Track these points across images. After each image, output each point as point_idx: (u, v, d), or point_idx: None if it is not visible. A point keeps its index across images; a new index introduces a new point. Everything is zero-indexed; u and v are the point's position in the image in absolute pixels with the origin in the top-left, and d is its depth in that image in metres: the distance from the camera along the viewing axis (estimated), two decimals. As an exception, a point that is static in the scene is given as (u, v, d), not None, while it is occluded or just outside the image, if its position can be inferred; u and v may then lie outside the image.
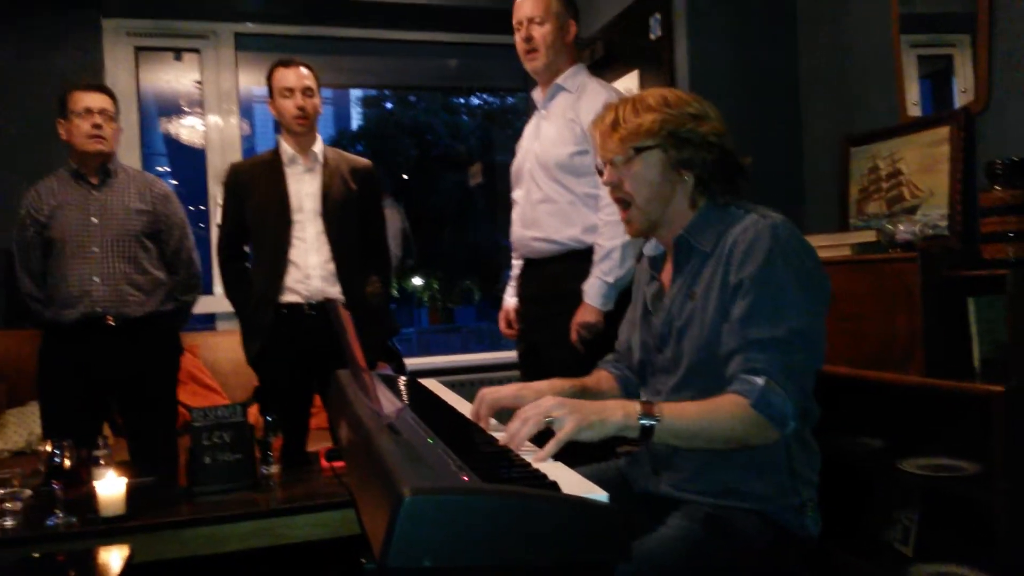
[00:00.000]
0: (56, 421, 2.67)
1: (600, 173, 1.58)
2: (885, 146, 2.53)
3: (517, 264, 2.77)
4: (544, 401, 1.32)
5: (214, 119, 4.28)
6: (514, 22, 2.61)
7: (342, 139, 13.70)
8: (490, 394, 1.51)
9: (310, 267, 2.71)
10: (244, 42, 4.35)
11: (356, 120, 15.23)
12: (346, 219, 2.77)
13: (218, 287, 4.08)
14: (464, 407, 1.69)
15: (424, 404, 1.73)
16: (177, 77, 4.59)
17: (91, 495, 2.05)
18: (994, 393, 1.74)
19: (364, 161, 2.91)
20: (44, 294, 2.74)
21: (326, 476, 2.37)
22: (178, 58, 4.43)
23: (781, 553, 1.42)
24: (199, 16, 4.18)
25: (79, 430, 2.40)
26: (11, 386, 3.53)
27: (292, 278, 2.70)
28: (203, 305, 3.70)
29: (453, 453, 1.17)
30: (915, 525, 2.22)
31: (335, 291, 2.73)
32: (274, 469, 2.35)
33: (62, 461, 2.06)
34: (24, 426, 3.38)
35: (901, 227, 2.17)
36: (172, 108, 5.03)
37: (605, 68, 3.58)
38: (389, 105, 13.78)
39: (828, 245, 2.36)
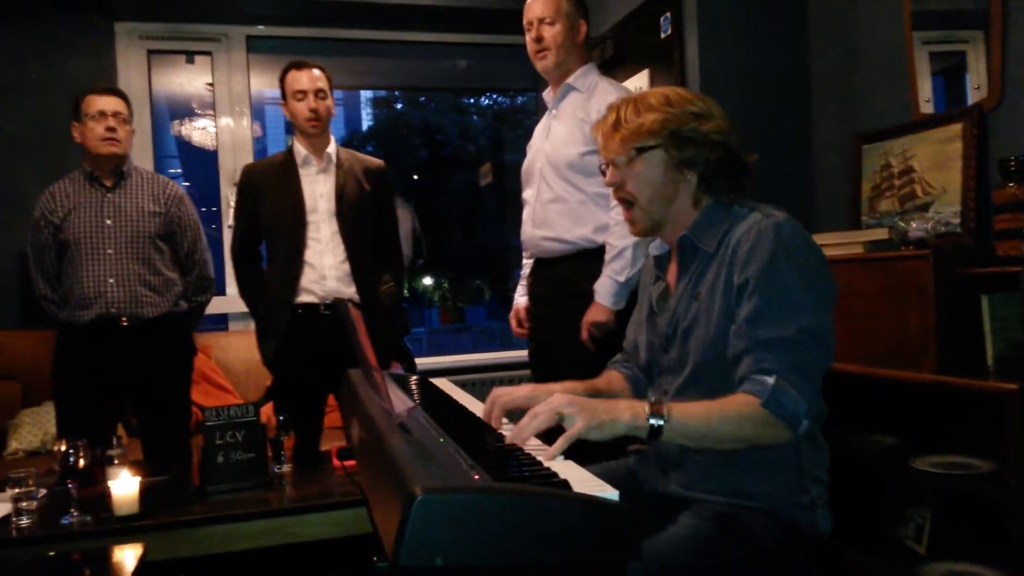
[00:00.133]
0: (71, 421, 2.69)
1: (604, 174, 1.58)
2: (897, 143, 2.52)
3: (528, 263, 2.77)
4: (555, 399, 1.32)
5: (226, 121, 4.31)
6: (524, 22, 2.61)
7: (353, 140, 13.74)
8: (503, 396, 1.50)
9: (325, 267, 2.72)
10: (255, 45, 4.37)
11: (366, 121, 15.26)
12: (360, 219, 2.78)
13: (230, 288, 4.10)
14: (475, 406, 1.70)
15: (435, 403, 1.74)
16: (189, 80, 4.62)
17: (105, 494, 2.06)
18: (1008, 391, 1.73)
19: (377, 161, 2.92)
20: (58, 295, 2.76)
21: (338, 475, 2.38)
22: (190, 61, 4.46)
23: (792, 551, 1.41)
24: (211, 19, 4.20)
25: (93, 430, 2.42)
26: (26, 386, 3.56)
27: (308, 279, 2.71)
28: (215, 306, 3.72)
29: (464, 452, 1.17)
30: (928, 523, 2.21)
31: (350, 291, 2.74)
32: (286, 468, 2.36)
33: (76, 461, 2.07)
34: (39, 426, 3.41)
35: (913, 224, 2.16)
36: (184, 111, 5.06)
37: (615, 67, 3.58)
38: (399, 106, 13.80)
39: (840, 243, 2.36)
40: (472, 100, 13.49)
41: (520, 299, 2.80)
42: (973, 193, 2.23)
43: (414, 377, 2.07)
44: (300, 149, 2.78)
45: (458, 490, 0.93)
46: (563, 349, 2.52)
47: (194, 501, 2.18)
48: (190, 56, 4.42)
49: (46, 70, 3.87)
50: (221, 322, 4.29)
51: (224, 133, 4.30)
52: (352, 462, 2.37)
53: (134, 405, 2.89)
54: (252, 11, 4.16)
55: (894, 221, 2.28)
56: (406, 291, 3.04)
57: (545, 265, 2.63)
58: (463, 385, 2.58)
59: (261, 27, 4.32)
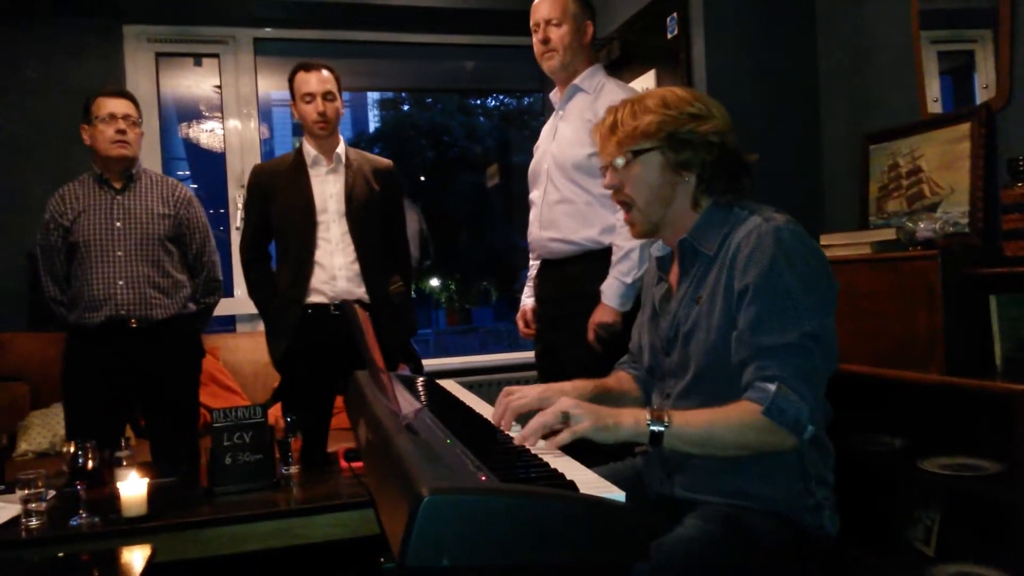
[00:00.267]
0: (80, 422, 2.70)
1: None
2: (905, 143, 2.51)
3: (534, 264, 2.77)
4: (562, 402, 1.34)
5: (233, 123, 4.32)
6: (531, 24, 2.61)
7: (360, 141, 13.75)
8: (515, 400, 1.51)
9: (336, 268, 2.73)
10: (263, 47, 4.38)
11: (373, 122, 15.29)
12: (369, 219, 2.78)
13: (238, 289, 4.12)
14: (482, 408, 1.70)
15: (442, 405, 1.74)
16: (197, 82, 4.64)
17: (114, 496, 2.07)
18: (1016, 392, 1.72)
19: (385, 161, 2.93)
20: (68, 297, 2.77)
21: (345, 476, 2.38)
22: (198, 63, 4.47)
23: (799, 553, 1.41)
24: (218, 22, 4.22)
25: (102, 431, 2.43)
26: (35, 388, 3.58)
27: (318, 279, 2.72)
28: (223, 307, 3.73)
29: (471, 453, 1.17)
30: (936, 525, 2.20)
31: (360, 292, 2.74)
32: (294, 469, 2.36)
33: (85, 462, 2.08)
34: (48, 428, 3.42)
35: (921, 225, 2.16)
36: (192, 113, 5.08)
37: (622, 68, 3.58)
38: (406, 107, 13.82)
39: (848, 244, 2.35)
40: (479, 101, 13.50)
41: (527, 300, 2.80)
42: (981, 193, 2.23)
43: (421, 378, 2.08)
44: (310, 149, 2.79)
45: (465, 491, 0.93)
46: (570, 350, 2.52)
47: (202, 502, 2.19)
48: (198, 58, 4.43)
49: (55, 73, 3.90)
50: (229, 324, 4.31)
51: (232, 135, 4.32)
52: (359, 463, 2.37)
53: (143, 407, 2.90)
54: (260, 13, 4.18)
55: (902, 221, 2.27)
56: (413, 292, 3.04)
57: (552, 266, 2.63)
58: (470, 386, 2.57)
59: (268, 29, 4.33)
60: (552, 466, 1.18)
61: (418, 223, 4.54)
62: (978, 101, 2.30)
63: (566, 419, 1.30)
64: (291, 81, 2.77)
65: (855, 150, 2.75)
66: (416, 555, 0.87)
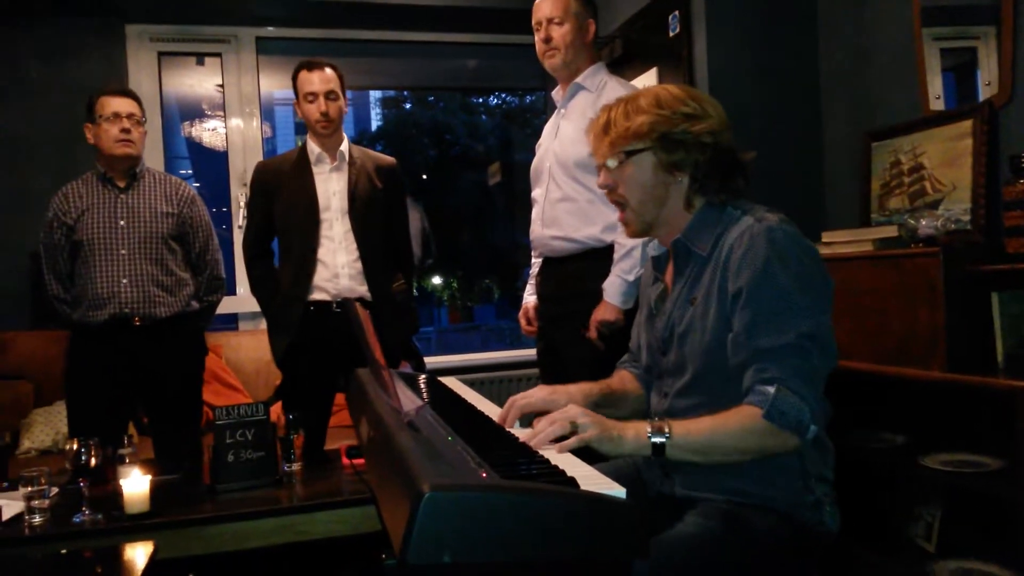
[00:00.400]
0: (83, 420, 2.71)
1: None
2: (907, 140, 2.51)
3: (536, 262, 2.78)
4: (570, 409, 1.34)
5: (236, 122, 4.32)
6: (533, 22, 2.61)
7: (362, 140, 13.77)
8: (521, 399, 1.52)
9: (338, 266, 2.73)
10: (265, 46, 4.38)
11: (376, 121, 15.30)
12: (372, 217, 2.78)
13: (241, 287, 4.12)
14: (484, 405, 1.70)
15: (444, 402, 1.74)
16: (199, 81, 4.64)
17: (116, 493, 2.08)
18: (1018, 389, 1.72)
19: (389, 159, 2.93)
20: (71, 296, 2.78)
21: (347, 473, 2.39)
22: (200, 62, 4.48)
23: (799, 549, 1.41)
24: (221, 21, 4.22)
25: (105, 429, 2.43)
26: (38, 386, 3.59)
27: (320, 277, 2.72)
28: (226, 305, 3.74)
29: (472, 450, 1.18)
30: (937, 521, 2.20)
31: (363, 290, 2.74)
32: (296, 466, 2.37)
33: (88, 459, 2.08)
34: (51, 425, 3.43)
35: (923, 222, 2.16)
36: (194, 112, 5.08)
37: (623, 66, 3.58)
38: (408, 106, 13.83)
39: (850, 241, 2.35)
40: (481, 100, 13.51)
41: (529, 298, 2.81)
42: (983, 190, 2.22)
43: (423, 376, 2.08)
44: (313, 147, 2.79)
45: (466, 487, 0.93)
46: (571, 348, 2.52)
47: (204, 499, 2.19)
48: (200, 58, 4.43)
49: (57, 72, 3.90)
50: (231, 322, 4.32)
51: (234, 134, 4.32)
52: (361, 460, 2.38)
53: (146, 404, 2.91)
54: (262, 12, 4.18)
55: (904, 218, 2.27)
56: (415, 290, 3.05)
57: (554, 264, 2.63)
58: (472, 384, 2.58)
59: (271, 28, 4.33)
60: (553, 463, 1.18)
61: (420, 221, 4.54)
62: (980, 98, 2.29)
63: (574, 427, 1.31)
64: (294, 80, 2.77)
65: (857, 147, 2.75)
66: (417, 551, 0.88)
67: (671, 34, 3.19)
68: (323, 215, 2.74)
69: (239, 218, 4.14)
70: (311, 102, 2.72)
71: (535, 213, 2.68)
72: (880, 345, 2.17)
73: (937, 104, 2.45)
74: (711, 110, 1.49)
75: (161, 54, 4.22)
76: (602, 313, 2.40)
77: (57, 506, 2.12)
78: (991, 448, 2.02)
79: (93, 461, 2.09)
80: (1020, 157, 2.01)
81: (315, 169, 2.77)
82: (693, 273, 1.50)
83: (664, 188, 1.50)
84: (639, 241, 2.36)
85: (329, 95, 2.72)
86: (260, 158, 4.24)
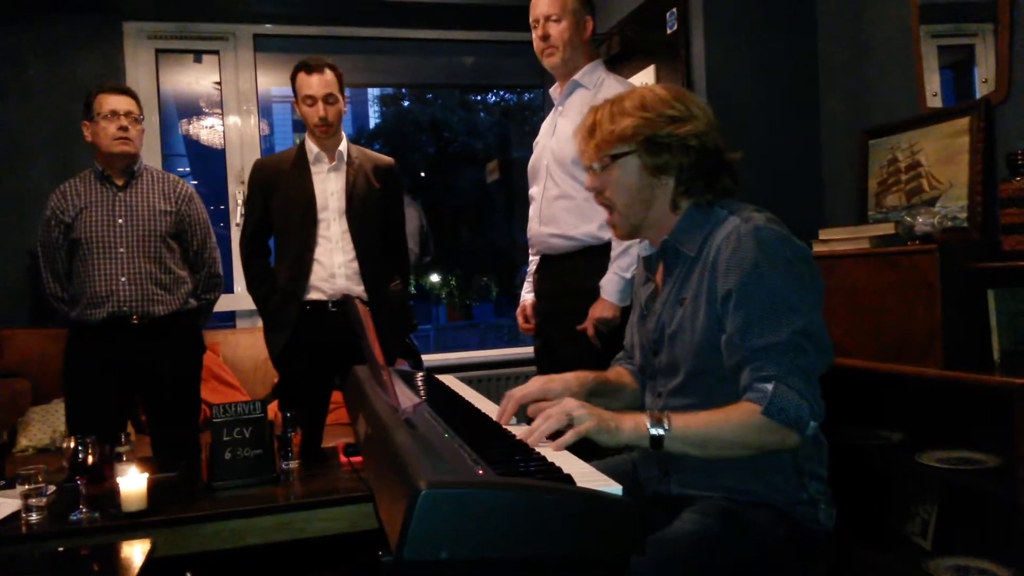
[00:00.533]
0: (81, 418, 2.71)
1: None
2: (904, 138, 2.51)
3: (534, 260, 2.78)
4: (566, 403, 1.34)
5: (233, 120, 4.32)
6: (531, 20, 2.61)
7: (360, 137, 13.77)
8: (518, 392, 1.53)
9: (335, 266, 2.73)
10: (263, 43, 4.38)
11: (374, 118, 15.29)
12: (369, 218, 2.78)
13: (238, 286, 4.12)
14: (481, 403, 1.71)
15: (441, 399, 1.74)
16: (197, 79, 4.64)
17: (114, 491, 2.08)
18: (1014, 386, 1.73)
19: (387, 159, 2.93)
20: (68, 294, 2.78)
21: (345, 471, 2.39)
22: (198, 60, 4.48)
23: (796, 546, 1.41)
24: (218, 18, 4.21)
25: (103, 427, 2.43)
26: (36, 384, 3.59)
27: (317, 276, 2.72)
28: (223, 303, 3.74)
29: (469, 447, 1.18)
30: (934, 518, 2.21)
31: (359, 290, 2.74)
32: (294, 464, 2.37)
33: (85, 457, 2.08)
34: (48, 423, 3.43)
35: (920, 219, 2.16)
36: (192, 109, 5.09)
37: (621, 63, 3.58)
38: (407, 103, 13.82)
39: (846, 238, 2.35)
40: (479, 97, 13.50)
41: (527, 296, 2.81)
42: (980, 187, 2.23)
43: (420, 374, 2.08)
44: (312, 147, 2.78)
45: (462, 484, 0.94)
46: (568, 345, 2.52)
47: (202, 497, 2.19)
48: (198, 55, 4.43)
49: (55, 70, 3.90)
50: (229, 320, 4.32)
51: (232, 132, 4.32)
52: (358, 458, 2.38)
53: (143, 402, 2.91)
54: (259, 9, 4.17)
55: (900, 216, 2.28)
56: (413, 288, 3.05)
57: (551, 262, 2.63)
58: (470, 382, 2.58)
59: (268, 25, 4.33)
60: (549, 460, 1.18)
61: (418, 219, 4.54)
62: (978, 96, 2.30)
63: (570, 421, 1.31)
64: (293, 79, 2.75)
65: (854, 145, 2.75)
66: (414, 548, 0.88)
67: (669, 31, 3.19)
68: (320, 215, 2.73)
69: (237, 216, 4.14)
70: (310, 105, 2.71)
71: (532, 210, 2.68)
72: (877, 342, 2.17)
73: (934, 101, 2.45)
74: (697, 111, 1.48)
75: (159, 51, 4.21)
76: (599, 310, 2.40)
77: (54, 504, 2.12)
78: (987, 445, 2.02)
79: (90, 459, 2.09)
80: (1016, 154, 2.02)
81: (313, 168, 2.77)
82: (682, 274, 1.50)
83: (650, 191, 1.50)
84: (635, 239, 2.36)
85: (328, 98, 2.71)
86: (258, 156, 4.24)
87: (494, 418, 1.52)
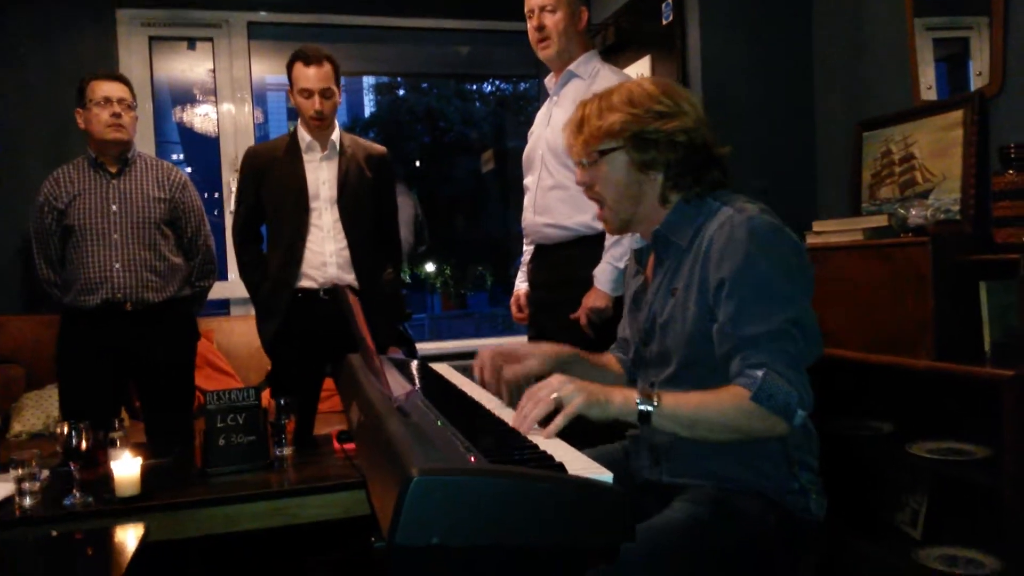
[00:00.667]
0: (75, 403, 2.71)
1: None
2: (898, 130, 2.52)
3: (528, 250, 2.78)
4: (552, 380, 1.34)
5: (227, 107, 4.30)
6: (525, 10, 2.60)
7: (355, 126, 13.73)
8: (508, 373, 1.60)
9: (326, 255, 2.73)
10: (257, 31, 4.36)
11: (369, 107, 15.24)
12: (361, 207, 2.78)
13: (232, 273, 4.12)
14: (474, 391, 1.71)
15: (434, 387, 1.75)
16: (191, 66, 4.62)
17: (107, 476, 2.08)
18: (1004, 378, 1.74)
19: (379, 148, 2.92)
20: (62, 280, 2.77)
21: (338, 458, 2.40)
22: (191, 47, 4.45)
23: (786, 535, 1.42)
24: (212, 5, 4.20)
25: (97, 412, 2.43)
26: (29, 369, 3.59)
27: (308, 264, 2.72)
28: (217, 291, 3.73)
29: (462, 435, 1.18)
30: (923, 508, 2.22)
31: (350, 278, 2.75)
32: (287, 451, 2.37)
33: (79, 443, 2.08)
34: (42, 409, 3.43)
35: (913, 211, 2.17)
36: (186, 97, 5.07)
37: (617, 53, 3.57)
38: (402, 92, 13.77)
39: (840, 230, 2.36)
40: (475, 86, 13.46)
41: (521, 285, 2.82)
42: (973, 180, 2.23)
43: (414, 362, 2.09)
44: (304, 135, 2.77)
45: (454, 471, 0.94)
46: (561, 335, 2.51)
47: (195, 483, 2.20)
48: (191, 42, 4.41)
49: (48, 56, 3.88)
50: (223, 307, 4.31)
51: (225, 119, 4.30)
52: (352, 445, 2.39)
53: (138, 388, 2.92)
54: (253, -4, 4.16)
55: (894, 208, 2.28)
56: (408, 278, 3.06)
57: (546, 251, 2.63)
58: (464, 370, 2.57)
59: (263, 13, 4.31)
60: (541, 447, 1.19)
61: (413, 208, 4.53)
62: (972, 88, 2.30)
63: (558, 402, 1.31)
64: (289, 68, 2.73)
65: (848, 136, 2.76)
66: (405, 534, 0.89)
67: (664, 22, 3.19)
68: (312, 203, 2.73)
69: (231, 203, 4.13)
70: (306, 98, 2.69)
71: (527, 200, 2.69)
72: (868, 333, 2.18)
73: (929, 94, 2.46)
74: (687, 107, 1.48)
75: (152, 39, 4.19)
76: (592, 300, 2.41)
77: (48, 489, 2.12)
78: (977, 437, 2.03)
79: (84, 444, 2.09)
80: (1009, 148, 2.02)
81: (305, 157, 2.76)
82: (673, 264, 1.51)
83: (638, 186, 1.51)
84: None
85: (325, 92, 2.69)
86: (252, 144, 4.21)
87: (476, 398, 1.58)
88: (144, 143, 3.99)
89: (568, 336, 2.46)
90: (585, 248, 2.49)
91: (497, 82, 13.07)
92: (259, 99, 4.75)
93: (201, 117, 4.95)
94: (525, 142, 2.78)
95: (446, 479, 0.92)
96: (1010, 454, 1.74)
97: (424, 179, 13.08)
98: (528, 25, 2.60)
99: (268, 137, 4.32)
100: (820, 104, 3.01)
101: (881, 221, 2.26)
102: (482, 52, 5.35)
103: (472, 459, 1.06)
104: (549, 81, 2.71)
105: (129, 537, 1.65)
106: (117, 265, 2.70)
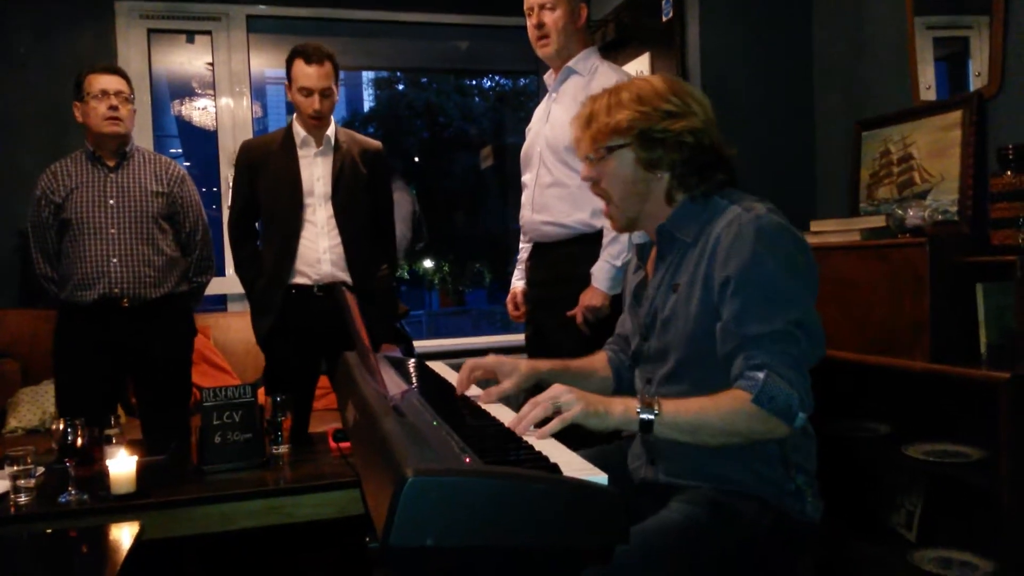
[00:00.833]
0: (71, 399, 2.70)
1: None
2: (897, 130, 2.52)
3: (525, 247, 2.78)
4: (553, 389, 1.34)
5: (226, 101, 4.29)
6: (525, 8, 2.60)
7: (354, 121, 13.70)
8: (472, 360, 1.64)
9: (320, 251, 2.72)
10: (256, 24, 4.34)
11: (368, 101, 15.21)
12: (356, 204, 2.77)
13: (230, 269, 4.11)
14: (471, 390, 1.71)
15: (431, 386, 1.75)
16: (189, 59, 4.60)
17: (103, 473, 2.08)
18: (1000, 380, 1.74)
19: (375, 143, 2.91)
20: (58, 275, 2.77)
21: (334, 456, 2.40)
22: (190, 40, 4.44)
23: (781, 537, 1.42)
24: (211, -2, 4.19)
25: (93, 409, 2.43)
26: (25, 365, 3.58)
27: (303, 261, 2.72)
28: (214, 286, 3.73)
29: (457, 435, 1.18)
30: (919, 510, 2.23)
31: (344, 275, 2.74)
32: (283, 449, 2.37)
33: (75, 439, 2.08)
34: (38, 405, 3.43)
35: (911, 212, 2.16)
36: (184, 90, 5.05)
37: (616, 50, 3.56)
38: (401, 87, 13.74)
39: (837, 230, 2.36)
40: (474, 82, 13.43)
41: (517, 283, 2.81)
42: (971, 181, 2.23)
43: (411, 360, 2.09)
44: (299, 130, 2.77)
45: (449, 472, 0.94)
46: (559, 333, 2.52)
47: (191, 480, 2.20)
48: (190, 35, 4.39)
49: (47, 49, 3.87)
50: (220, 303, 4.31)
51: (224, 113, 4.30)
52: (347, 444, 2.38)
53: (134, 385, 2.91)
54: (253, -10, 4.15)
55: (892, 208, 2.28)
56: (406, 274, 3.06)
57: (544, 249, 2.63)
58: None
59: (262, 7, 4.30)
60: (537, 449, 1.19)
61: (411, 204, 4.52)
62: (971, 89, 2.30)
63: (557, 407, 1.31)
64: (289, 64, 2.72)
65: (847, 136, 2.75)
66: (400, 535, 0.88)
67: (664, 19, 3.18)
68: (306, 200, 2.72)
69: (229, 198, 4.12)
70: (305, 96, 2.68)
71: (525, 198, 2.68)
72: (865, 334, 2.18)
73: (928, 94, 2.45)
74: (695, 107, 1.48)
75: (151, 31, 4.17)
76: (589, 298, 2.41)
77: (43, 485, 2.12)
78: (973, 439, 2.03)
79: (80, 441, 2.09)
80: (1007, 149, 2.02)
81: (300, 152, 2.75)
82: (676, 260, 1.50)
83: (645, 184, 1.51)
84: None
85: (324, 91, 2.68)
86: (250, 137, 4.21)
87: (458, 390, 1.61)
88: (142, 136, 3.98)
89: (565, 333, 2.47)
90: (583, 246, 2.49)
91: (497, 78, 13.05)
92: (258, 93, 4.73)
93: (200, 111, 4.93)
94: (524, 138, 2.78)
95: (441, 480, 0.91)
96: (1006, 456, 1.74)
97: (423, 174, 13.06)
98: (527, 22, 2.60)
99: (267, 130, 4.30)
100: (819, 103, 3.00)
101: (879, 221, 2.26)
102: (482, 47, 5.34)
103: (467, 459, 1.05)
104: (548, 77, 2.70)
105: (124, 535, 1.65)
106: (114, 259, 2.70)
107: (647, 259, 1.63)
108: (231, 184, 3.01)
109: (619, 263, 2.38)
